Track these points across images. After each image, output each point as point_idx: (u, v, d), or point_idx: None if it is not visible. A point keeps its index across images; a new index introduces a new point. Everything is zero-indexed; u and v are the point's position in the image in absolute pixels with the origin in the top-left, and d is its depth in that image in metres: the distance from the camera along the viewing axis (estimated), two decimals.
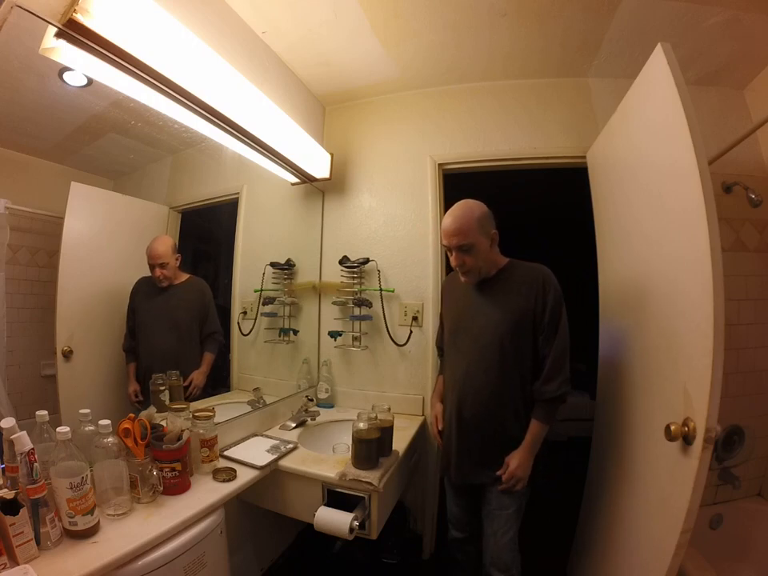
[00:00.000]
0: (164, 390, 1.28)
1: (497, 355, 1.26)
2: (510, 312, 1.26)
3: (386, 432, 1.37)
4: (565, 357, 1.25)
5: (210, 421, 1.22)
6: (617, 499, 1.41)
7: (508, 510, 1.28)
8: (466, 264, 1.27)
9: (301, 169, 1.79)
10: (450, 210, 1.30)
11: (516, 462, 1.24)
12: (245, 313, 1.74)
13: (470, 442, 1.32)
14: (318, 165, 1.89)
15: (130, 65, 0.98)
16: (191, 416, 1.21)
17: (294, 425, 1.68)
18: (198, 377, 1.46)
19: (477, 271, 1.29)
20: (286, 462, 1.35)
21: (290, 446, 1.44)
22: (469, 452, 1.32)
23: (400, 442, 1.50)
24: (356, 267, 1.99)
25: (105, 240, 1.23)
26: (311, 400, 1.89)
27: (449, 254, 1.31)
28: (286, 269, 1.92)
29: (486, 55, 1.76)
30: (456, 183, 2.05)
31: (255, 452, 1.37)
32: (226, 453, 1.32)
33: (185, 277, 1.45)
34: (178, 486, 1.06)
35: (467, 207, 1.28)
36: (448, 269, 1.81)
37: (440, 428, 1.45)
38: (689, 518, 0.97)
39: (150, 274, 1.32)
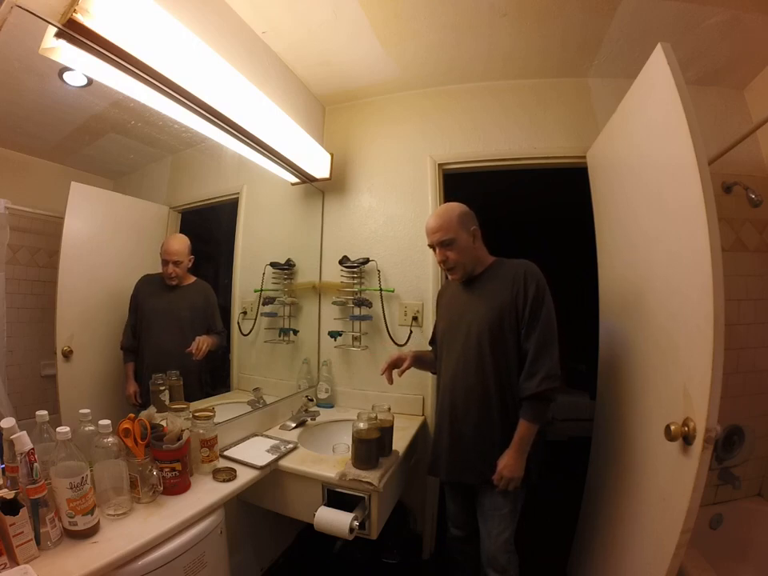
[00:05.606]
0: (164, 390, 1.28)
1: (485, 352, 1.26)
2: (494, 307, 1.26)
3: (386, 432, 1.37)
4: (546, 351, 1.20)
5: (209, 421, 1.22)
6: (617, 499, 1.41)
7: (502, 510, 1.28)
8: (449, 259, 1.30)
9: (301, 169, 1.79)
10: (432, 213, 1.36)
11: (503, 462, 1.23)
12: (245, 313, 1.74)
13: (462, 441, 1.31)
14: (318, 165, 1.89)
15: (130, 65, 0.98)
16: (191, 416, 1.21)
17: (293, 425, 1.68)
18: (204, 340, 1.43)
19: (461, 267, 1.31)
20: (285, 462, 1.35)
21: (290, 445, 1.44)
22: (460, 451, 1.31)
23: (400, 441, 1.50)
24: (356, 267, 1.99)
25: (105, 240, 1.23)
26: (311, 400, 1.89)
27: (434, 252, 1.35)
28: (285, 269, 1.92)
29: (485, 55, 1.76)
30: (456, 183, 2.05)
31: (255, 452, 1.37)
32: (226, 453, 1.32)
33: (192, 279, 1.46)
34: (178, 486, 1.06)
35: (447, 206, 1.35)
36: None
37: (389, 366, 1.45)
38: (689, 518, 0.97)
39: (152, 273, 1.32)
